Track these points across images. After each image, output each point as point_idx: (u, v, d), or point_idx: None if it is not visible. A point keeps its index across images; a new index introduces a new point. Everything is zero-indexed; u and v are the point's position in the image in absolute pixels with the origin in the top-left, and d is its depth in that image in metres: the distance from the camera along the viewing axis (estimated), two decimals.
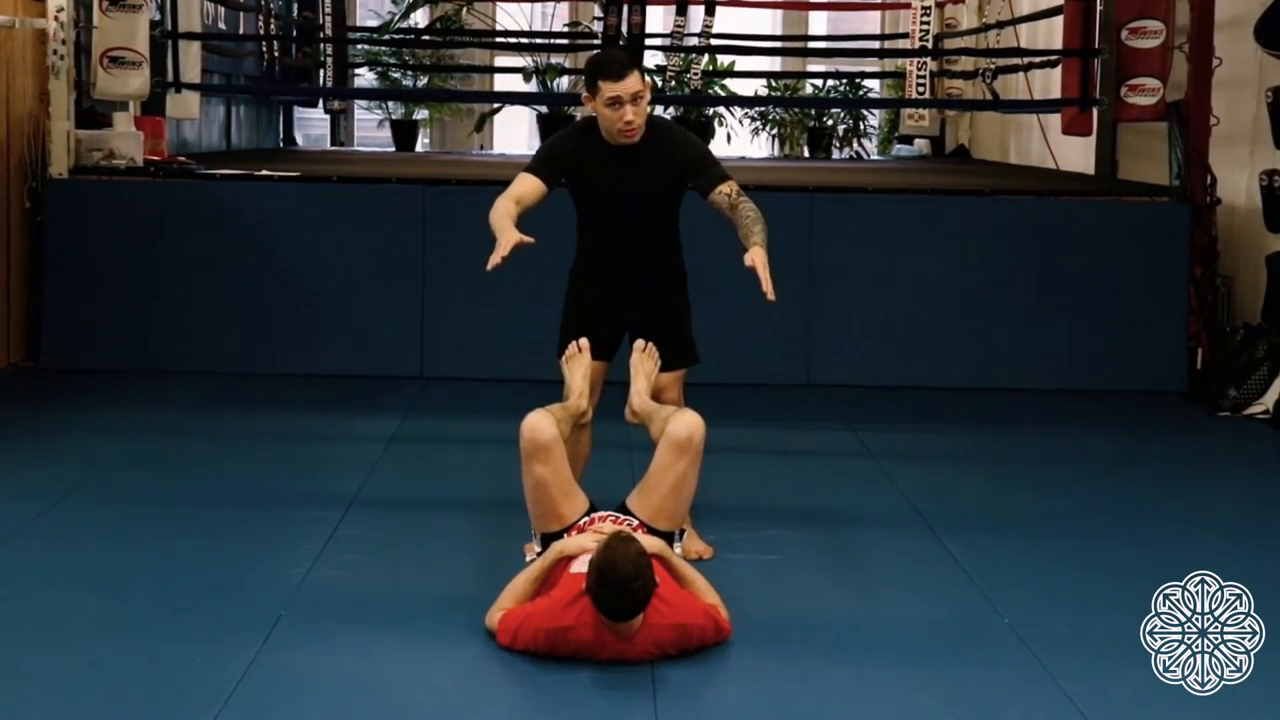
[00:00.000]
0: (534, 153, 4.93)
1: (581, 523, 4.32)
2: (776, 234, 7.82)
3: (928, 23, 12.70)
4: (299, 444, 6.52)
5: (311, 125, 15.08)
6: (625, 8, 10.83)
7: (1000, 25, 12.15)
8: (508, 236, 4.58)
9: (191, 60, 9.29)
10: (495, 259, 4.56)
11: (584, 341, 4.79)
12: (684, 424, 4.40)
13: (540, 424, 4.35)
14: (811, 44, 15.12)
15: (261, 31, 12.15)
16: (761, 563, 4.85)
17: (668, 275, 4.88)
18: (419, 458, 6.31)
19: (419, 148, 14.48)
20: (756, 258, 4.56)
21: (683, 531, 4.57)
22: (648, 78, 4.81)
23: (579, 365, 4.77)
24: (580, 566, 3.99)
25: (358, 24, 14.72)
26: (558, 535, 4.30)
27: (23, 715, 3.55)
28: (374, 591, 4.48)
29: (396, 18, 13.97)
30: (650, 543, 4.13)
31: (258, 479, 5.82)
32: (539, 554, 4.32)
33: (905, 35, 13.57)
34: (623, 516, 4.35)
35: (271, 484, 5.76)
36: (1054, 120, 10.50)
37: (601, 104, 4.67)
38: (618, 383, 4.86)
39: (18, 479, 5.70)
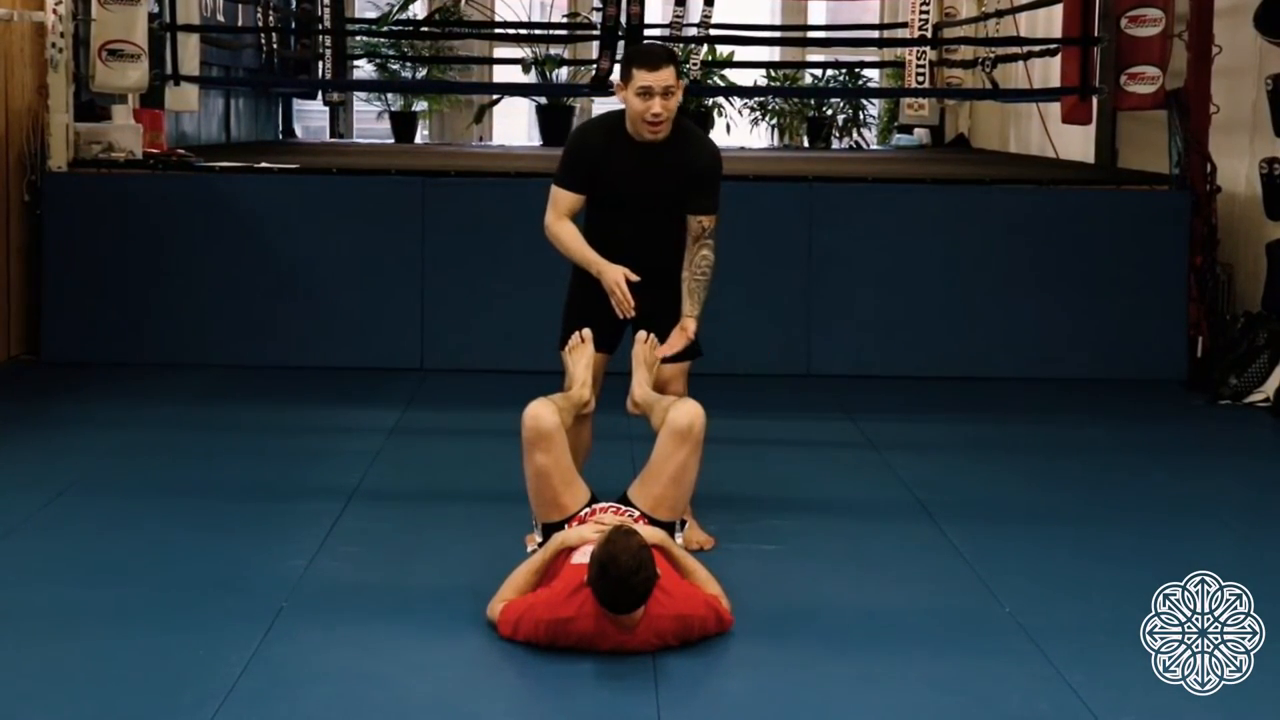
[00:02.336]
0: (561, 155, 4.89)
1: (583, 513, 4.32)
2: (776, 225, 7.94)
3: (927, 11, 12.67)
4: (299, 436, 6.52)
5: (310, 117, 15.06)
6: None
7: (999, 14, 12.13)
8: (613, 276, 4.70)
9: (190, 53, 9.27)
10: (628, 309, 4.70)
11: (587, 332, 4.79)
12: (684, 413, 4.40)
13: (542, 412, 4.35)
14: (810, 33, 15.10)
15: (260, 23, 12.13)
16: (762, 553, 4.86)
17: (672, 269, 4.83)
18: (419, 449, 6.31)
19: (418, 139, 14.46)
20: (688, 328, 4.78)
21: (684, 522, 4.57)
22: (684, 78, 4.80)
23: (582, 355, 4.77)
24: (581, 558, 3.99)
25: (356, 15, 14.70)
26: (559, 525, 4.30)
27: (25, 707, 3.55)
28: (375, 583, 4.49)
29: (395, 9, 13.94)
30: (651, 533, 4.13)
31: (258, 471, 5.82)
32: (540, 545, 4.32)
33: (904, 24, 13.55)
34: (624, 507, 4.36)
35: (272, 476, 5.76)
36: (1054, 109, 10.49)
37: (632, 92, 4.67)
38: (619, 374, 4.86)
39: (19, 472, 5.70)
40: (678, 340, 4.79)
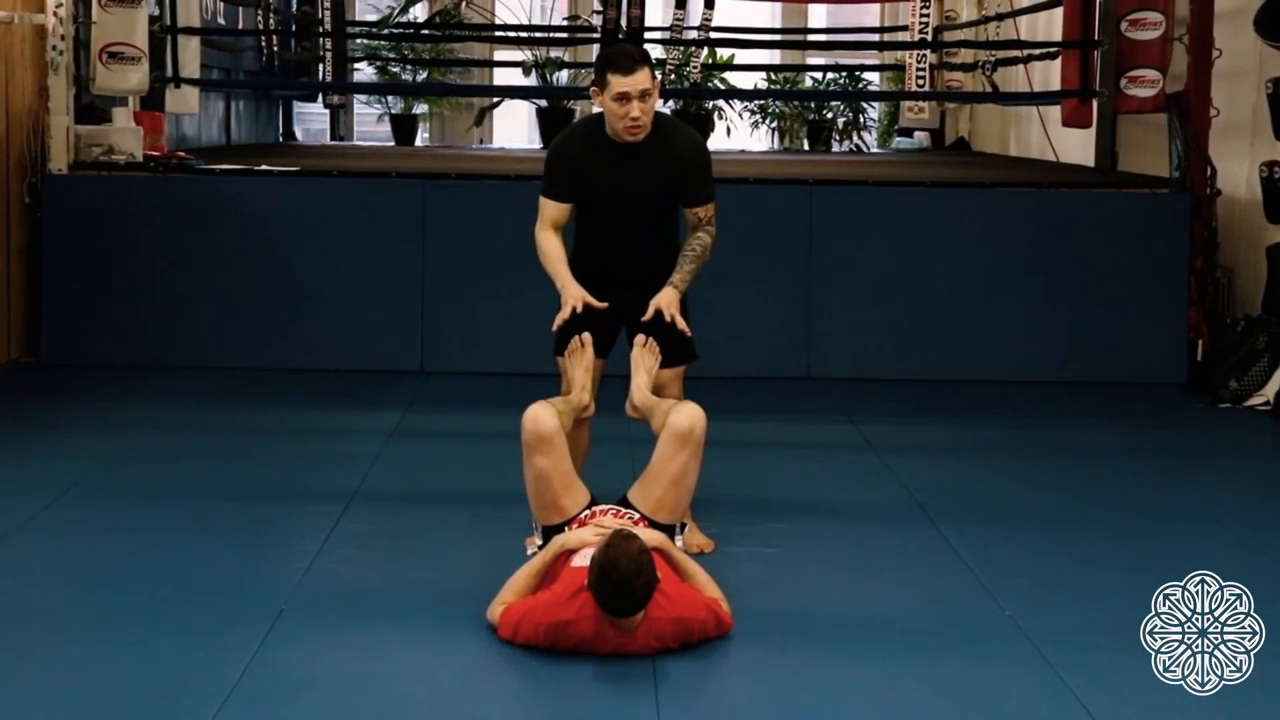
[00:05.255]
0: (544, 164, 4.88)
1: (583, 515, 4.33)
2: (776, 228, 7.94)
3: (927, 15, 12.68)
4: (300, 439, 6.52)
5: (311, 120, 15.06)
6: (624, 1, 10.81)
7: (1000, 17, 12.14)
8: (573, 293, 4.67)
9: (190, 55, 9.28)
10: (561, 319, 4.67)
11: (587, 336, 4.79)
12: (685, 415, 4.40)
13: (542, 415, 4.35)
14: (811, 37, 15.10)
15: (260, 26, 12.14)
16: (763, 556, 4.86)
17: (666, 271, 4.80)
18: (420, 452, 6.31)
19: (418, 142, 14.46)
20: (661, 299, 4.66)
21: (684, 525, 4.57)
22: (658, 75, 4.77)
23: (581, 360, 4.77)
24: (581, 560, 3.99)
25: (357, 18, 14.70)
26: (559, 528, 4.30)
27: (25, 710, 3.55)
28: (375, 585, 4.49)
29: (395, 12, 13.94)
30: (651, 536, 4.13)
31: (259, 474, 5.82)
32: (540, 547, 4.32)
33: (904, 28, 13.55)
34: (624, 510, 4.36)
35: (273, 479, 5.77)
36: (1054, 112, 10.49)
37: (609, 99, 4.64)
38: (618, 376, 4.86)
39: (19, 474, 5.70)
40: (661, 300, 4.66)
